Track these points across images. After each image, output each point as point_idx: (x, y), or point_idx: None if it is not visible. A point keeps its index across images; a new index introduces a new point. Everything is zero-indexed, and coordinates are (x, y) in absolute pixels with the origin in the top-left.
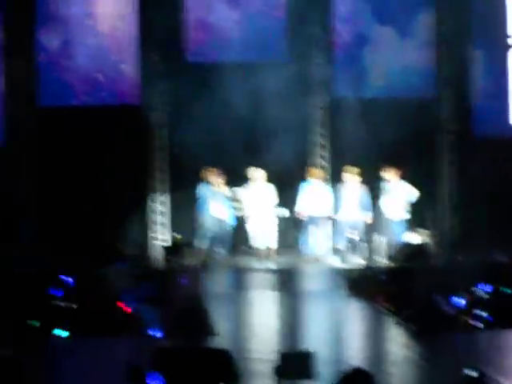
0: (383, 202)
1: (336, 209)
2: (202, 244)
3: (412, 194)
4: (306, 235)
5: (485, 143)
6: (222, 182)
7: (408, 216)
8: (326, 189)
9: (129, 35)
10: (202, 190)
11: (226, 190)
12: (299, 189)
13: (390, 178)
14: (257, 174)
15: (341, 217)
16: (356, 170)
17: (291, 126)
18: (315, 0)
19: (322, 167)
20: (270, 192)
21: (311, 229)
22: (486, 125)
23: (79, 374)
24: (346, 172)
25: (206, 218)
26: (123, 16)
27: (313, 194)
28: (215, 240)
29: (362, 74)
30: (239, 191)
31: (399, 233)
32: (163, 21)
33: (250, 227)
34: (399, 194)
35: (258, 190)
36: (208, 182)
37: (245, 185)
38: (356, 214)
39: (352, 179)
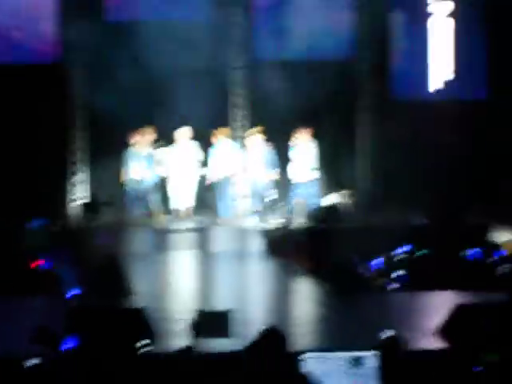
0: (290, 163)
1: (246, 168)
2: (121, 203)
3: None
4: (221, 195)
5: (403, 104)
6: (144, 142)
7: (317, 176)
8: (235, 148)
9: None
10: (124, 150)
11: (147, 151)
12: (210, 151)
13: (301, 138)
14: (181, 133)
15: (249, 176)
16: (259, 129)
17: (212, 86)
18: None
19: (242, 127)
20: (194, 151)
21: (225, 189)
22: (404, 87)
23: None
24: (250, 132)
25: (126, 178)
26: None
27: (223, 154)
28: (134, 200)
29: (282, 36)
30: (163, 151)
31: (308, 194)
32: None
33: (170, 187)
34: (308, 154)
35: (182, 149)
36: (130, 143)
37: (169, 145)
38: (263, 173)
39: (256, 138)
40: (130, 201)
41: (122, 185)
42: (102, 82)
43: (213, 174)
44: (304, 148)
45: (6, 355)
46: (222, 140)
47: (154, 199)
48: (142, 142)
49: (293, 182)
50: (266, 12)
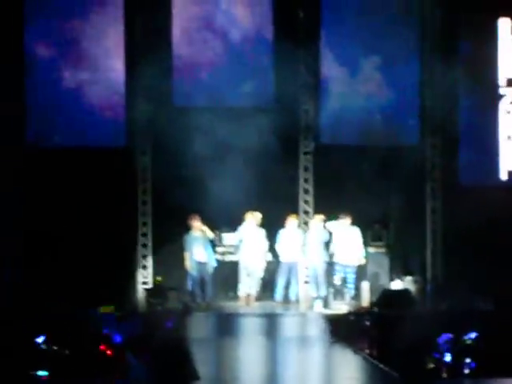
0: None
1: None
2: (184, 287)
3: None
4: (287, 280)
5: (472, 190)
6: (206, 227)
7: (364, 261)
8: (300, 234)
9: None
10: (185, 234)
11: (209, 235)
12: (278, 235)
13: (344, 223)
14: (252, 218)
15: (313, 260)
16: (322, 216)
17: (281, 171)
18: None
19: (306, 212)
20: (261, 236)
21: (292, 274)
22: (473, 172)
23: None
24: (316, 218)
25: (189, 262)
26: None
27: (291, 239)
28: (198, 284)
29: (348, 120)
30: (229, 236)
31: (352, 278)
32: (151, 65)
33: (240, 271)
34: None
35: (250, 234)
36: (192, 227)
37: (235, 229)
38: (326, 257)
39: (320, 224)
40: (193, 285)
41: (185, 269)
42: (166, 166)
43: (282, 259)
44: (349, 232)
45: None
46: (291, 225)
47: (219, 283)
48: (201, 227)
49: (340, 264)
50: (330, 97)
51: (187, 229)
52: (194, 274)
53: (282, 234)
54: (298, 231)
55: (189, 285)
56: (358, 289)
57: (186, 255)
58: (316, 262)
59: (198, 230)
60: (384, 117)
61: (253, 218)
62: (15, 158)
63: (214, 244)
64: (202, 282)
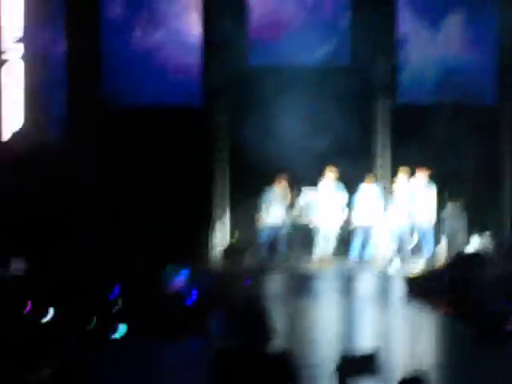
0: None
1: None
2: (261, 247)
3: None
4: (365, 240)
5: None
6: (285, 186)
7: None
8: (380, 193)
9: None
10: (263, 194)
11: (288, 195)
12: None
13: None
14: (327, 175)
15: (392, 220)
16: (406, 170)
17: (357, 129)
18: None
19: (385, 171)
20: (340, 193)
21: (369, 234)
22: None
23: (139, 375)
24: (400, 172)
25: (265, 222)
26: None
27: (369, 199)
28: (270, 243)
29: (423, 79)
30: (308, 196)
31: (429, 239)
32: (227, 25)
33: (316, 232)
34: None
35: (328, 191)
36: (271, 186)
37: (313, 189)
38: (406, 217)
39: (402, 181)
40: (265, 245)
41: (261, 228)
42: (243, 126)
43: (358, 219)
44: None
45: None
46: (369, 184)
47: (295, 244)
48: (281, 186)
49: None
50: (407, 56)
51: (268, 186)
52: (267, 233)
53: (358, 197)
54: (375, 194)
55: (262, 243)
56: (434, 247)
57: (262, 213)
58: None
59: (282, 189)
60: (462, 76)
61: (332, 174)
62: (91, 118)
63: (290, 206)
64: (274, 242)
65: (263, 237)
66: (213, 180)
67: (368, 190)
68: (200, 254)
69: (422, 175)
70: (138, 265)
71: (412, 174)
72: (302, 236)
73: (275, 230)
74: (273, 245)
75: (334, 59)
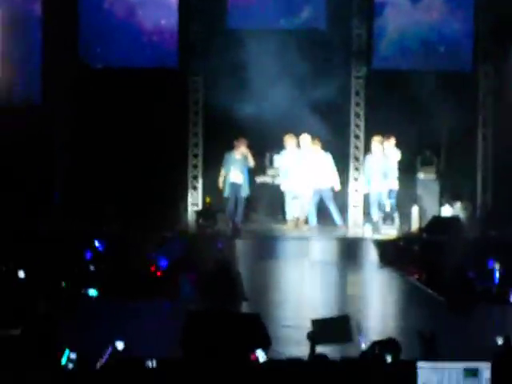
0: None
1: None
2: (227, 210)
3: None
4: (333, 204)
5: None
6: (244, 151)
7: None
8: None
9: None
10: (226, 154)
11: (250, 161)
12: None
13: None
14: (300, 140)
15: (372, 187)
16: (379, 138)
17: (330, 94)
18: None
19: (356, 137)
20: (312, 159)
21: (324, 200)
22: None
23: (108, 334)
24: (375, 141)
25: (227, 185)
26: None
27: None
28: (233, 204)
29: (398, 46)
30: (278, 159)
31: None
32: None
33: (288, 196)
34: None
35: (296, 157)
36: (235, 149)
37: (283, 152)
38: (379, 182)
39: (376, 147)
40: (229, 205)
41: (224, 191)
42: (218, 89)
43: (325, 183)
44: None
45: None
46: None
47: (267, 206)
48: (238, 151)
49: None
50: (384, 22)
51: (228, 151)
52: (228, 195)
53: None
54: (323, 159)
55: (227, 207)
56: (407, 214)
57: (222, 174)
58: (380, 186)
59: (240, 153)
60: (439, 43)
61: (305, 139)
62: (67, 79)
63: (251, 170)
64: (236, 203)
65: (228, 200)
66: (186, 143)
67: (316, 154)
68: (173, 218)
69: (389, 142)
70: (111, 226)
71: (385, 141)
72: (271, 199)
73: (234, 190)
74: (234, 205)
75: (311, 23)
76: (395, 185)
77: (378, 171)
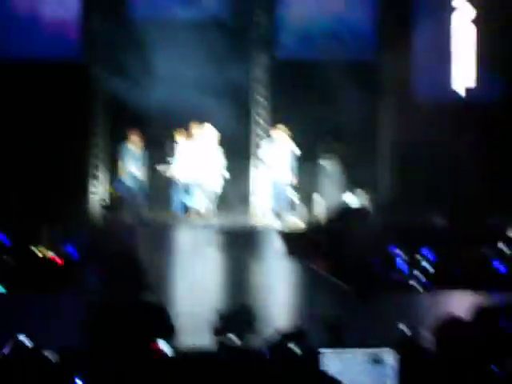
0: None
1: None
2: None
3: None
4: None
5: (425, 105)
6: (137, 141)
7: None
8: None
9: None
10: (122, 146)
11: (141, 149)
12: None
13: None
14: (200, 130)
15: (274, 176)
16: (282, 128)
17: (234, 84)
18: None
19: (257, 124)
20: (213, 150)
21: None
22: (427, 88)
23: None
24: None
25: (127, 175)
26: None
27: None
28: (137, 196)
29: (303, 34)
30: (177, 148)
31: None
32: None
33: (188, 187)
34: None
35: (201, 147)
36: (128, 140)
37: (182, 142)
38: (282, 172)
39: (279, 138)
40: (132, 197)
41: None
42: (122, 80)
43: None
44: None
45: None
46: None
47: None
48: (131, 141)
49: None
50: (287, 10)
51: (123, 141)
52: (126, 185)
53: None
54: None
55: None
56: (309, 202)
57: (120, 165)
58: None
59: (134, 144)
60: (341, 32)
61: (206, 130)
62: None
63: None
64: (137, 193)
65: (129, 190)
66: (91, 134)
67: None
68: (78, 209)
69: (290, 130)
70: (15, 219)
71: (286, 129)
72: (172, 189)
73: (135, 183)
74: (138, 198)
75: (214, 13)
76: (297, 173)
77: (279, 159)
